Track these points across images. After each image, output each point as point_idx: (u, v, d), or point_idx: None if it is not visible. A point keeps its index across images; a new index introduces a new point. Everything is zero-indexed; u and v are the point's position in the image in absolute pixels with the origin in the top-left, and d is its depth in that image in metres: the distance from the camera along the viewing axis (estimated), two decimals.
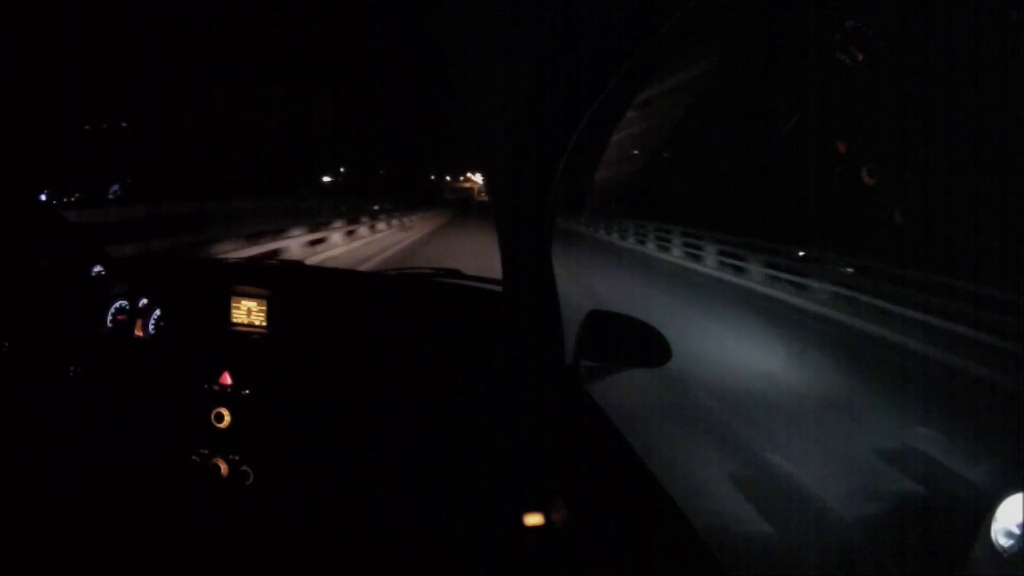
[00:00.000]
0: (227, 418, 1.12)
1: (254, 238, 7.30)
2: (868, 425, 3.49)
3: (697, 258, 11.44)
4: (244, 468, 1.10)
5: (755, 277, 9.15)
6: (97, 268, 1.34)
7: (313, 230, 9.40)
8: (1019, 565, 1.46)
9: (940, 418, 3.53)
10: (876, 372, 4.84)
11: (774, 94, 13.21)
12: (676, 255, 12.43)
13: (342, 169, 34.42)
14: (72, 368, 1.23)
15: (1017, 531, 1.50)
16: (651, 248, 14.04)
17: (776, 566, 2.20)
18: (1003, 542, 1.52)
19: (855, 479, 2.75)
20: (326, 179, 32.15)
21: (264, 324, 1.21)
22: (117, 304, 1.29)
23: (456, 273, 1.33)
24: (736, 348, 5.18)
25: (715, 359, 4.49)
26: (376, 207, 17.08)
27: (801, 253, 7.97)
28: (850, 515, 2.43)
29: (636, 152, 23.37)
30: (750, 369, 4.43)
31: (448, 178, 61.07)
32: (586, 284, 8.35)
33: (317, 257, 8.60)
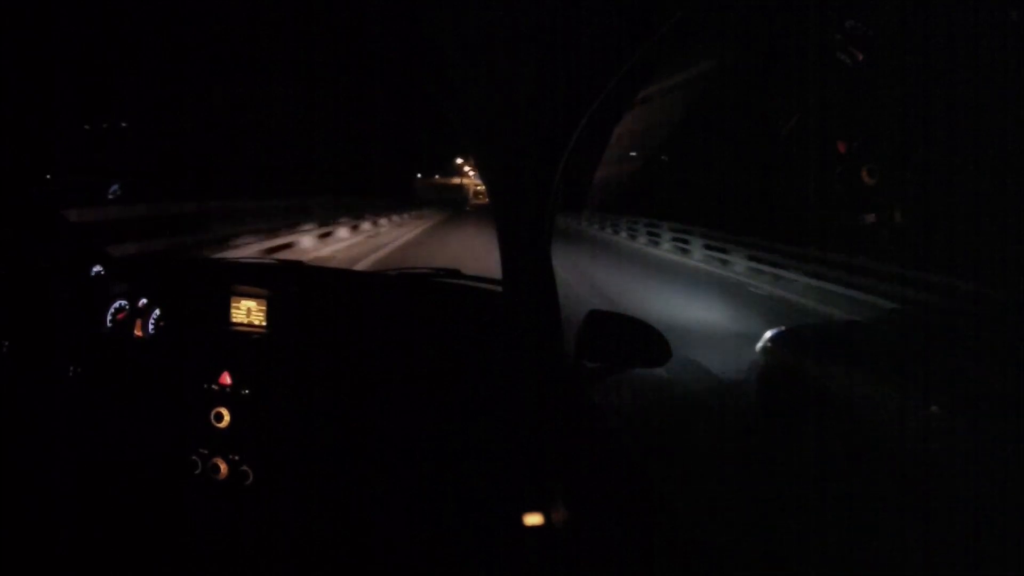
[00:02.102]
0: (227, 418, 1.12)
1: None
2: None
3: (725, 263, 10.99)
4: (244, 468, 1.10)
5: (797, 288, 8.71)
6: (97, 268, 1.34)
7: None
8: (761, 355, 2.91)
9: None
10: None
11: (774, 94, 13.21)
12: (698, 258, 12.16)
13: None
14: (72, 368, 1.23)
15: (762, 341, 2.93)
16: (667, 248, 13.83)
17: (664, 390, 3.55)
18: (757, 347, 2.97)
19: (739, 368, 3.84)
20: None
21: (264, 324, 1.21)
22: (117, 304, 1.29)
23: (456, 273, 1.33)
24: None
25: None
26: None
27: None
28: (723, 378, 3.96)
29: (635, 154, 23.41)
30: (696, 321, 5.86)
31: (438, 176, 55.76)
32: (587, 278, 8.38)
33: None
